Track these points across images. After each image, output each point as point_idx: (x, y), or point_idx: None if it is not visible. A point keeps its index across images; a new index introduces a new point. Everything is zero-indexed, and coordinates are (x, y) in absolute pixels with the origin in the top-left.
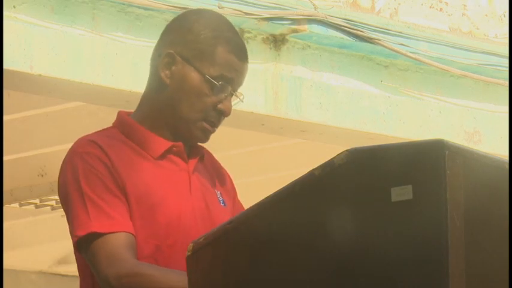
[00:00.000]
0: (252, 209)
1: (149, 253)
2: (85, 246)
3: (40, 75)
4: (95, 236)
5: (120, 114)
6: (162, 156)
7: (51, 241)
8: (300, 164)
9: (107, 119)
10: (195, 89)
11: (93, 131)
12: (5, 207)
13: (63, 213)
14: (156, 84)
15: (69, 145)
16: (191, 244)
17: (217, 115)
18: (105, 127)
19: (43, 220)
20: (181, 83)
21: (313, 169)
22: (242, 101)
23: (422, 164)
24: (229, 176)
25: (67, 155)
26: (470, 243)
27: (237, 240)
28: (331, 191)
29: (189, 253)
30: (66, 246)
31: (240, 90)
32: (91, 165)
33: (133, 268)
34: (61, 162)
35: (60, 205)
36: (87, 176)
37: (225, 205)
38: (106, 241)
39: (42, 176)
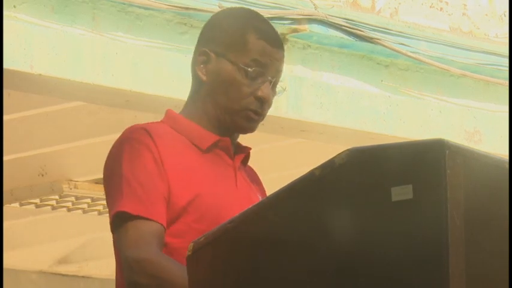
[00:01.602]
0: (252, 209)
1: (192, 238)
2: (116, 225)
3: (40, 75)
4: (125, 217)
5: (168, 111)
6: (209, 150)
7: (51, 241)
8: (300, 164)
9: (107, 119)
10: (230, 79)
11: (93, 131)
12: (5, 207)
13: (64, 212)
14: (196, 84)
15: (69, 145)
16: (191, 244)
17: (258, 103)
18: (105, 127)
19: (43, 220)
20: (217, 77)
21: (313, 169)
22: (284, 90)
23: (423, 164)
24: (262, 185)
25: (117, 140)
26: (470, 242)
27: (237, 240)
28: (331, 191)
29: (189, 253)
30: (66, 246)
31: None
32: (137, 150)
33: (155, 256)
34: (61, 162)
35: (60, 205)
36: (131, 161)
37: None
38: (135, 224)
39: (42, 175)
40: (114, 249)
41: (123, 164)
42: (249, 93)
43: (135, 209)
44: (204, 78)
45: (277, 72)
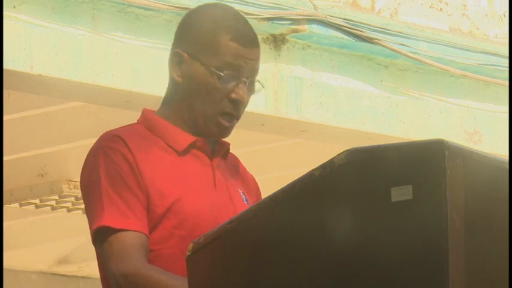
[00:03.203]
0: (252, 209)
1: (174, 243)
2: (98, 240)
3: (40, 75)
4: (107, 231)
5: (145, 112)
6: (186, 151)
7: (51, 241)
8: (300, 164)
9: (107, 119)
10: (204, 83)
11: (93, 131)
12: (5, 207)
13: (64, 213)
14: (171, 85)
15: (69, 145)
16: (191, 244)
17: (233, 105)
18: (105, 127)
19: (43, 220)
20: (191, 80)
21: (313, 169)
22: (263, 87)
23: (422, 164)
24: (254, 179)
25: (92, 148)
26: (470, 243)
27: (237, 240)
28: (331, 191)
29: (189, 253)
30: (66, 246)
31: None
32: (113, 161)
33: (140, 268)
34: (61, 162)
35: (60, 205)
36: (108, 172)
37: (247, 203)
38: (118, 238)
39: (42, 176)
40: (98, 263)
41: (101, 175)
42: (222, 96)
43: (118, 222)
44: (179, 80)
45: (253, 71)
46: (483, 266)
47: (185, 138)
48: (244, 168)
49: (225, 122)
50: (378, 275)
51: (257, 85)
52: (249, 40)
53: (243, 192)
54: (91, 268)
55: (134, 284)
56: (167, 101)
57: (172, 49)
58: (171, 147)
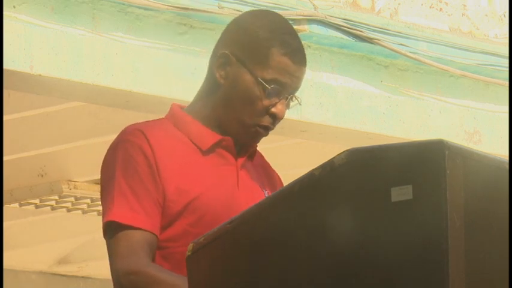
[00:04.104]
0: (252, 209)
1: (189, 242)
2: (107, 234)
3: (40, 75)
4: (116, 227)
5: (173, 107)
6: (211, 150)
7: (51, 241)
8: (300, 164)
9: (107, 119)
10: (248, 92)
11: (93, 131)
12: (5, 207)
13: (63, 213)
14: (211, 84)
15: (69, 145)
16: (191, 244)
17: (271, 119)
18: (105, 127)
19: (43, 220)
20: (235, 85)
21: (313, 169)
22: (300, 104)
23: (422, 164)
24: (279, 177)
25: (113, 142)
26: (470, 243)
27: (237, 240)
28: (331, 191)
29: (189, 253)
30: (66, 246)
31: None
32: (131, 155)
33: (143, 267)
34: (61, 162)
35: (60, 205)
36: (124, 166)
37: None
38: (125, 234)
39: (42, 176)
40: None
41: (117, 169)
42: (264, 109)
43: (126, 218)
44: (222, 81)
45: (296, 89)
46: (483, 266)
47: (211, 137)
48: (269, 165)
49: (262, 133)
50: (378, 275)
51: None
52: (300, 58)
53: (267, 193)
54: (91, 268)
55: (135, 283)
56: (200, 98)
57: (218, 48)
58: (195, 144)
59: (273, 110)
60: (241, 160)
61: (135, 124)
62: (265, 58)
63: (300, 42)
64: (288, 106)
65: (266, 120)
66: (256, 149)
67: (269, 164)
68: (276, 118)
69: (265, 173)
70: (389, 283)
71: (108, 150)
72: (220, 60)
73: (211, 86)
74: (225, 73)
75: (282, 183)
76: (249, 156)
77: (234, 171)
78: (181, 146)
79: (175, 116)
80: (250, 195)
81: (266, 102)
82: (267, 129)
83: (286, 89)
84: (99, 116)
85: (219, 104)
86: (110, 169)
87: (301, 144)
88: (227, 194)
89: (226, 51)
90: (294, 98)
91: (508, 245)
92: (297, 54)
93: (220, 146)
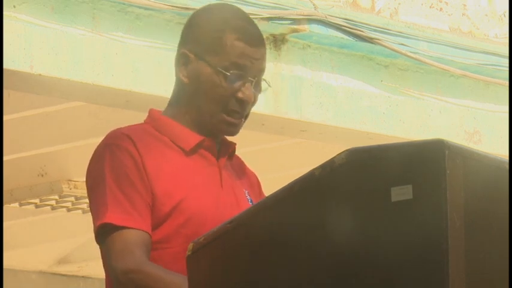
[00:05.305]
0: (252, 209)
1: (179, 242)
2: (101, 236)
3: (40, 75)
4: (110, 228)
5: (151, 112)
6: (193, 151)
7: (51, 241)
8: (300, 164)
9: (107, 119)
10: (210, 83)
11: (93, 131)
12: (5, 207)
13: (64, 212)
14: (178, 85)
15: (69, 145)
16: (191, 244)
17: (240, 104)
18: (105, 127)
19: (43, 220)
20: (198, 80)
21: (313, 169)
22: (270, 86)
23: (422, 164)
24: (254, 175)
25: (98, 146)
26: (470, 243)
27: (237, 240)
28: (331, 191)
29: (189, 253)
30: (66, 246)
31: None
32: (119, 158)
33: (141, 265)
34: (61, 162)
35: (60, 205)
36: (113, 169)
37: (252, 203)
38: (120, 235)
39: (42, 176)
40: (102, 260)
41: (106, 172)
42: (229, 95)
43: (120, 219)
44: (185, 80)
45: (259, 71)
46: (483, 266)
47: (193, 138)
48: (246, 166)
49: (232, 119)
50: (378, 275)
51: (263, 84)
52: (255, 39)
53: (248, 193)
54: (91, 268)
55: (134, 281)
56: (174, 102)
57: (178, 50)
58: (178, 146)
59: (239, 94)
60: (222, 160)
61: (119, 129)
62: (219, 47)
63: (253, 25)
64: (258, 90)
65: (235, 106)
66: (234, 149)
67: (246, 165)
68: (243, 103)
69: (243, 173)
70: (389, 283)
71: (94, 154)
72: (181, 60)
73: (179, 88)
74: (187, 72)
75: (259, 183)
76: (228, 156)
77: (216, 171)
78: (165, 149)
79: (155, 119)
80: (233, 195)
81: (230, 89)
82: (237, 114)
83: (247, 72)
84: (99, 116)
85: (188, 103)
86: (99, 173)
87: (301, 144)
88: (213, 194)
89: (185, 50)
90: (263, 82)
91: (508, 245)
92: (252, 37)
93: (202, 146)
